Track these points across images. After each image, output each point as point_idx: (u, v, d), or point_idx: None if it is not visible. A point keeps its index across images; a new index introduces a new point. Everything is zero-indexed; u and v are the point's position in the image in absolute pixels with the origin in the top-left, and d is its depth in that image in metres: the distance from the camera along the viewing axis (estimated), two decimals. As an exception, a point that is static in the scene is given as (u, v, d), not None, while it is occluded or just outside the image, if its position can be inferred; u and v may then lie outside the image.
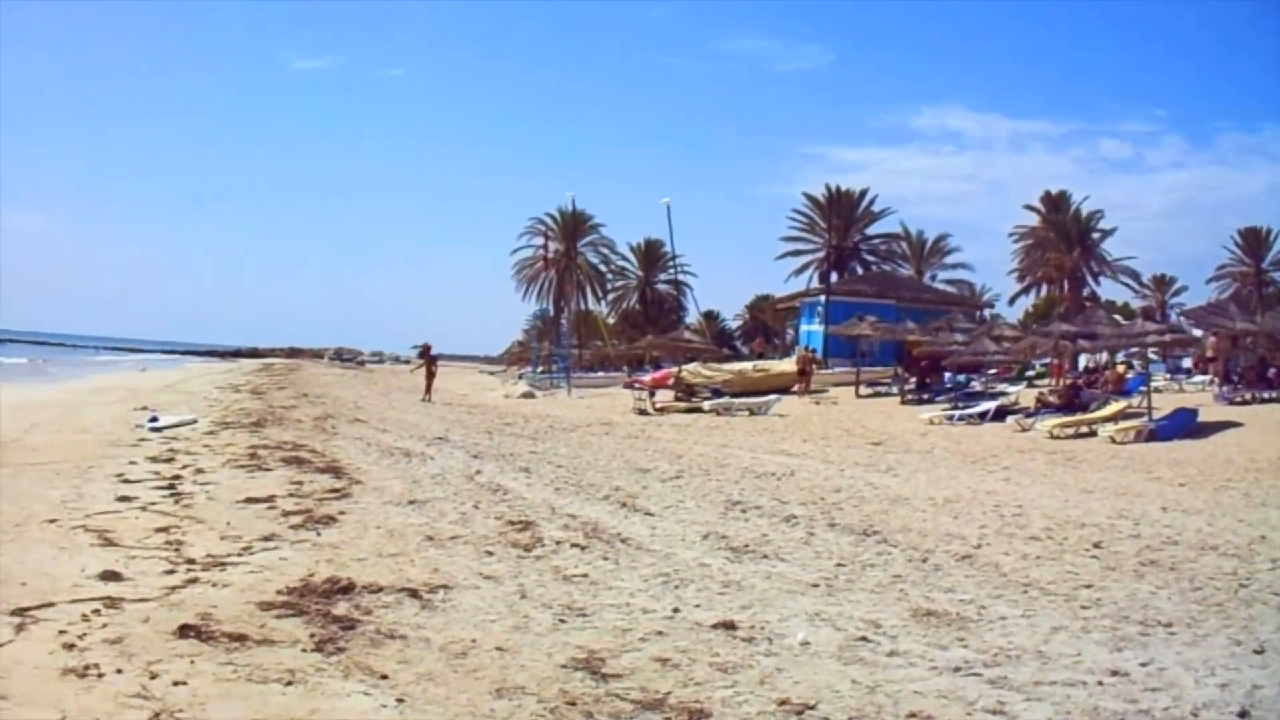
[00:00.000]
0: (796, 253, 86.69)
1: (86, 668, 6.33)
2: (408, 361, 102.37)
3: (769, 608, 8.46)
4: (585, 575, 9.55)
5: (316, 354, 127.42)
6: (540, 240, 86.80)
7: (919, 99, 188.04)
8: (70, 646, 6.78)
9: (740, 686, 6.49)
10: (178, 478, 15.37)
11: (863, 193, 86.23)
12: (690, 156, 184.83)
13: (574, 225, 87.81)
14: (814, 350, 47.50)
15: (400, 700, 6.12)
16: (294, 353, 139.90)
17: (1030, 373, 43.29)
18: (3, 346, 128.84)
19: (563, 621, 7.95)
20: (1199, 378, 37.51)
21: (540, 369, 65.68)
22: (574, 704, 6.09)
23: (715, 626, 7.83)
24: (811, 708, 6.12)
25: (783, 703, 6.19)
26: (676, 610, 8.33)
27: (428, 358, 42.46)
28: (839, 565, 10.20)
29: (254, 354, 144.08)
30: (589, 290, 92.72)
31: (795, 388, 40.61)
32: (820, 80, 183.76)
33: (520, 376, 62.59)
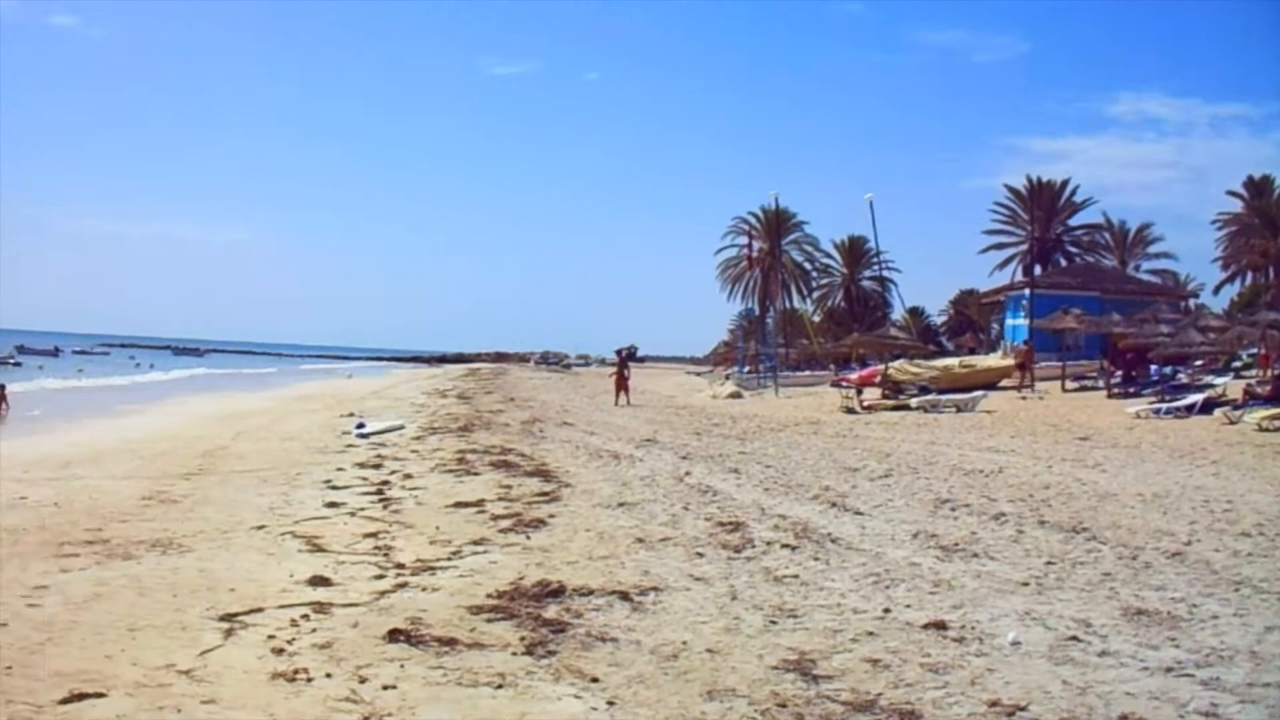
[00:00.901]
0: (999, 246, 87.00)
1: (295, 672, 6.64)
2: (613, 364, 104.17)
3: (979, 607, 8.45)
4: (795, 576, 9.61)
5: (522, 358, 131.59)
6: (744, 239, 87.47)
7: (1115, 86, 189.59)
8: (279, 651, 7.14)
9: (951, 687, 6.51)
10: (386, 483, 16.08)
11: (1064, 183, 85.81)
12: (889, 151, 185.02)
13: (777, 223, 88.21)
14: (1031, 344, 47.11)
15: (611, 703, 6.23)
16: (500, 357, 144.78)
17: (1237, 364, 42.37)
18: (209, 357, 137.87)
19: (773, 623, 8.03)
20: None
21: (747, 369, 66.33)
22: (784, 706, 6.15)
23: (926, 627, 7.85)
24: (1023, 709, 6.13)
25: (994, 704, 6.21)
26: (887, 610, 8.37)
27: (621, 362, 43.43)
28: (1048, 563, 10.12)
29: (459, 359, 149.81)
30: (794, 288, 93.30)
31: (1012, 381, 40.96)
32: (1016, 70, 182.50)
33: (727, 377, 63.36)
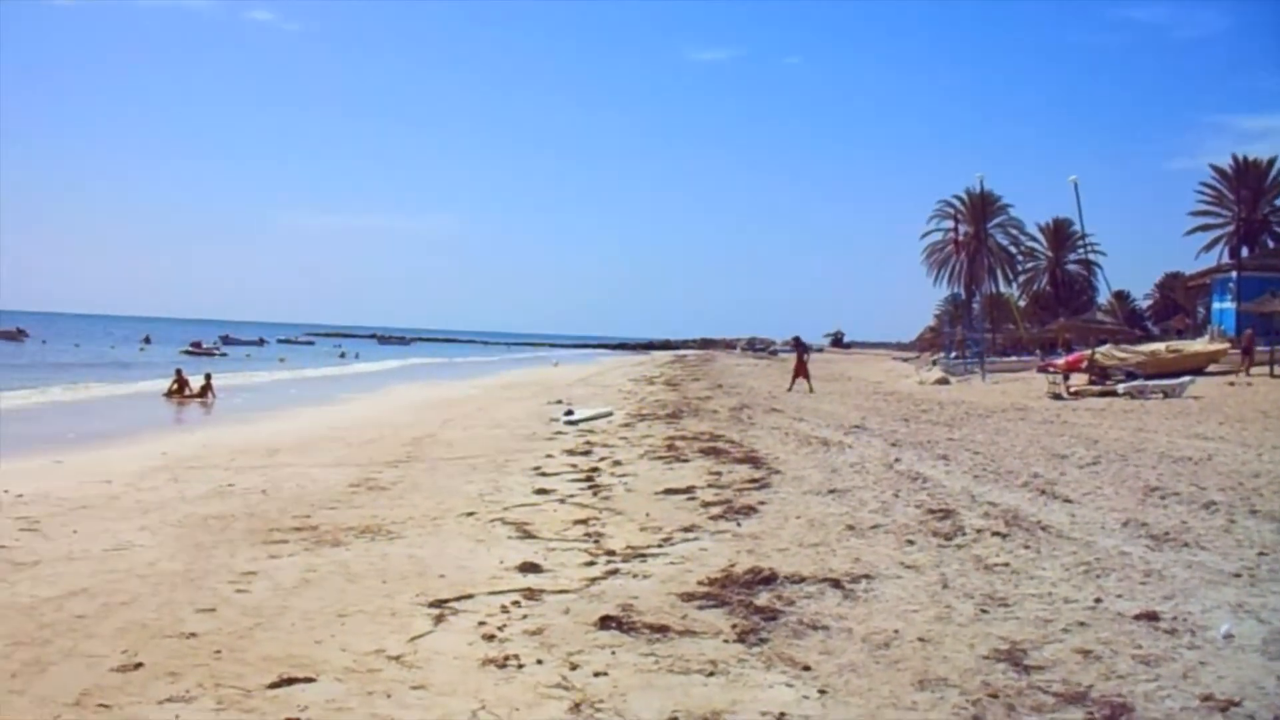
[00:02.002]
0: (1205, 228, 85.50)
1: (506, 658, 6.81)
2: (820, 350, 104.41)
3: (1191, 598, 8.20)
4: (1006, 564, 9.48)
5: (729, 344, 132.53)
6: (949, 223, 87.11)
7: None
8: (490, 637, 7.33)
9: (1163, 680, 6.35)
10: (595, 470, 16.38)
11: (1271, 161, 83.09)
12: (1092, 132, 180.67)
13: (982, 207, 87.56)
14: (1253, 329, 45.55)
15: (822, 692, 6.22)
16: (706, 344, 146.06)
17: None
18: (415, 345, 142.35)
19: (984, 612, 7.95)
20: None
21: (954, 354, 65.75)
22: (996, 696, 6.09)
23: (1137, 618, 7.66)
24: (1236, 704, 5.94)
25: (1206, 698, 6.04)
26: (1098, 600, 8.20)
27: (799, 349, 43.40)
28: (1261, 554, 9.71)
29: (666, 346, 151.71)
30: (999, 273, 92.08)
31: (1224, 366, 40.40)
32: (1219, 46, 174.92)
33: (934, 362, 63.01)
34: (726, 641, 7.21)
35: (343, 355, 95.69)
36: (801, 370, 40.26)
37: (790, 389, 38.67)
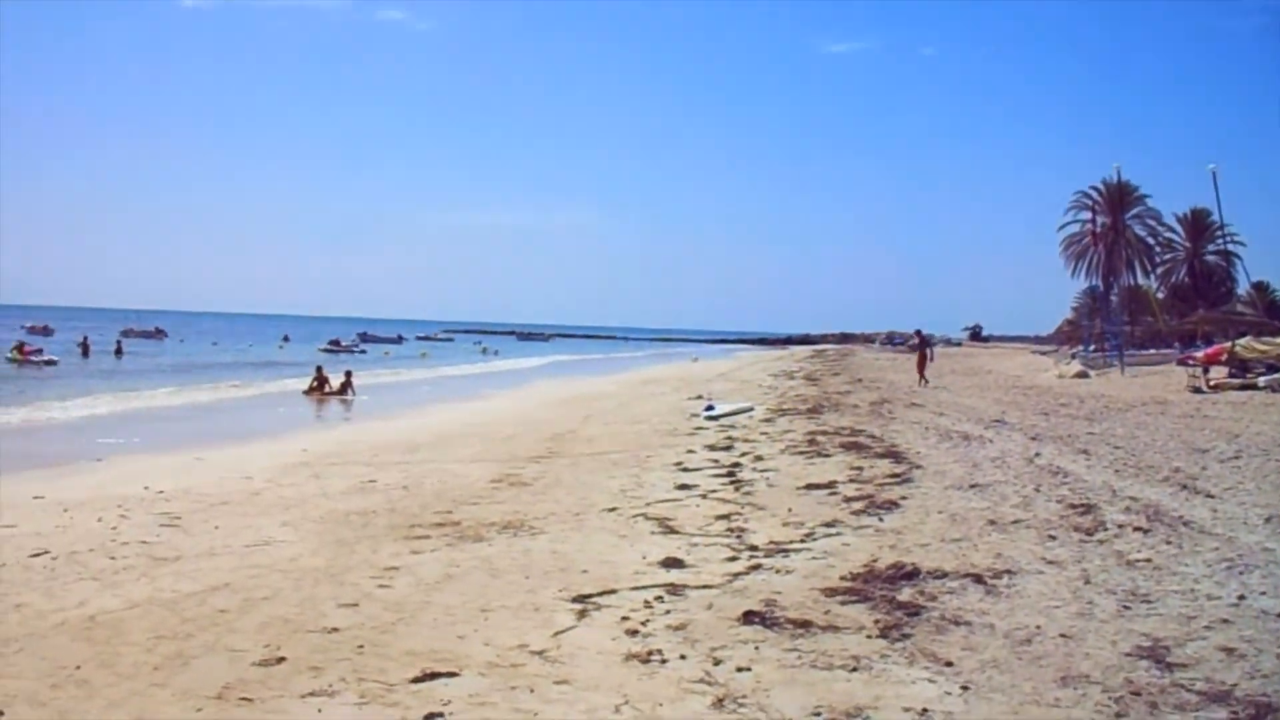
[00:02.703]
0: None
1: (649, 653, 6.83)
2: (959, 344, 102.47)
3: None
4: (1148, 560, 9.27)
5: (867, 339, 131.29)
6: (1087, 214, 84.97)
7: None
8: (633, 632, 7.36)
9: None
10: (737, 465, 16.35)
11: None
12: (1230, 119, 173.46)
13: (1120, 197, 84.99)
14: None
15: (965, 688, 6.15)
16: (844, 338, 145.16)
17: None
18: (553, 341, 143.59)
19: (1126, 608, 7.79)
20: None
21: (1092, 347, 64.24)
22: (1139, 694, 5.98)
23: None
24: None
25: None
26: (1242, 598, 7.98)
27: (921, 343, 42.86)
28: None
29: (805, 340, 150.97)
30: (1137, 264, 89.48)
31: None
32: None
33: (1073, 355, 61.68)
34: (869, 637, 7.16)
35: (484, 351, 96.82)
36: (922, 364, 39.77)
37: (921, 382, 38.28)
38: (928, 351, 41.52)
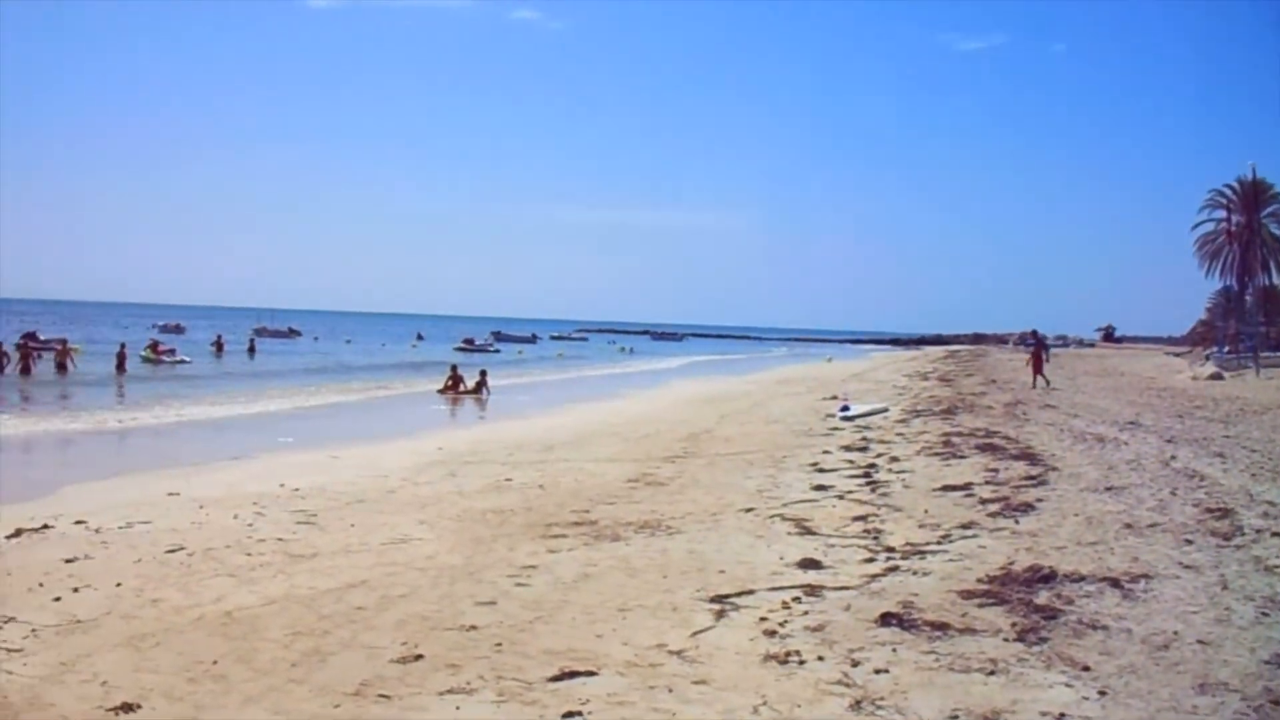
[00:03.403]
0: None
1: (788, 654, 6.85)
2: (1092, 345, 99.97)
3: None
4: None
5: (1000, 339, 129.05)
6: (1221, 213, 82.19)
7: None
8: (771, 633, 7.39)
9: None
10: (872, 466, 16.29)
11: None
12: None
13: (1255, 195, 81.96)
14: None
15: (1102, 693, 6.09)
16: (977, 339, 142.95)
17: None
18: (687, 341, 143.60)
19: (1265, 615, 7.61)
20: None
21: (1227, 349, 62.17)
22: (1278, 703, 5.86)
23: None
24: None
25: None
26: None
27: (1037, 344, 41.72)
28: None
29: (938, 341, 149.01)
30: (1273, 264, 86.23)
31: None
32: None
33: (1207, 357, 59.75)
34: (1006, 640, 7.12)
35: (623, 350, 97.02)
36: (1037, 365, 38.71)
37: (1035, 383, 37.14)
38: (1043, 352, 40.33)
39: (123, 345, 48.76)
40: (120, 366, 44.19)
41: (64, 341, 44.16)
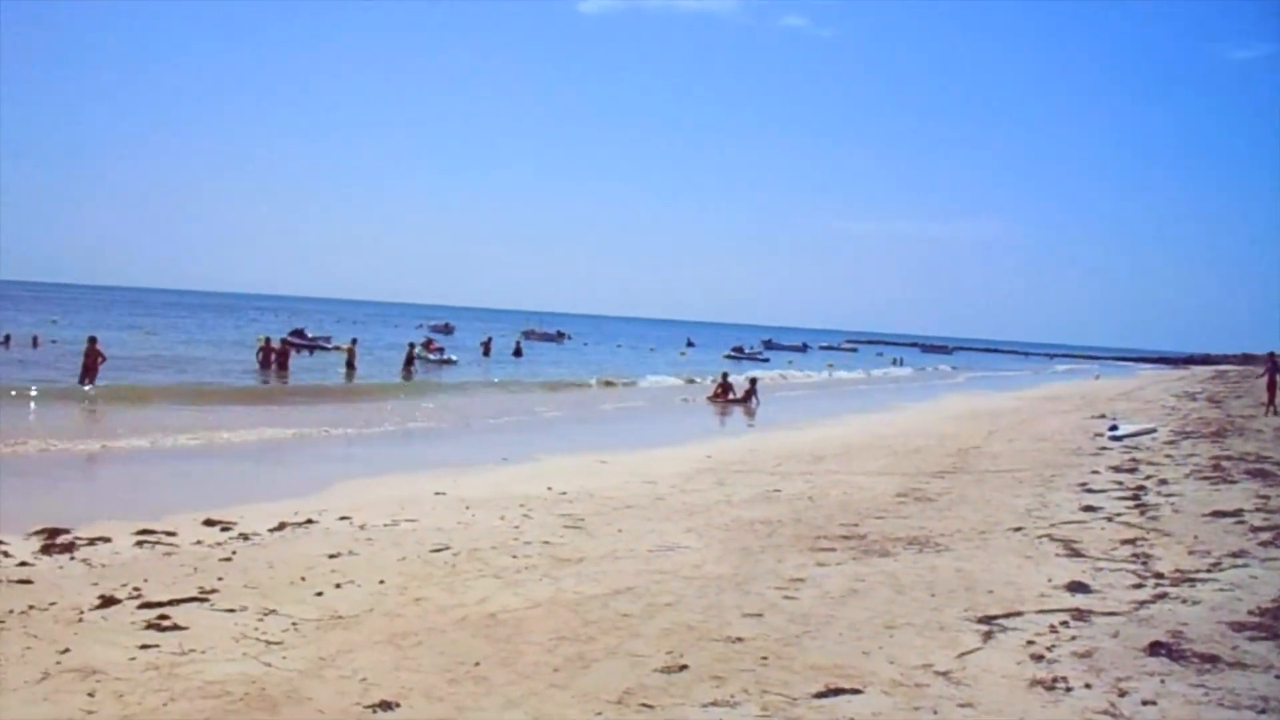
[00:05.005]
0: None
1: (1054, 680, 6.52)
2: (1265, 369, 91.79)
3: None
4: None
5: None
6: None
7: None
8: (1039, 658, 7.03)
9: None
10: (1141, 488, 15.41)
11: None
12: None
13: None
14: None
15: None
16: (1246, 359, 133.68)
17: None
18: (956, 354, 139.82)
19: None
20: None
21: None
22: None
23: None
24: None
25: None
26: None
27: (1271, 366, 37.44)
28: None
29: (1205, 360, 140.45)
30: None
31: None
32: None
33: None
34: (1278, 677, 6.57)
35: (894, 362, 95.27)
36: (1272, 390, 34.56)
37: (1268, 410, 32.76)
38: (1277, 375, 35.87)
39: (411, 345, 50.49)
40: (408, 365, 45.44)
41: (354, 341, 45.07)
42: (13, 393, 25.85)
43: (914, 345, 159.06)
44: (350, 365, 42.30)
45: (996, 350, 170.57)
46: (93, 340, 31.22)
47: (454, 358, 55.08)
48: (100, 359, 30.42)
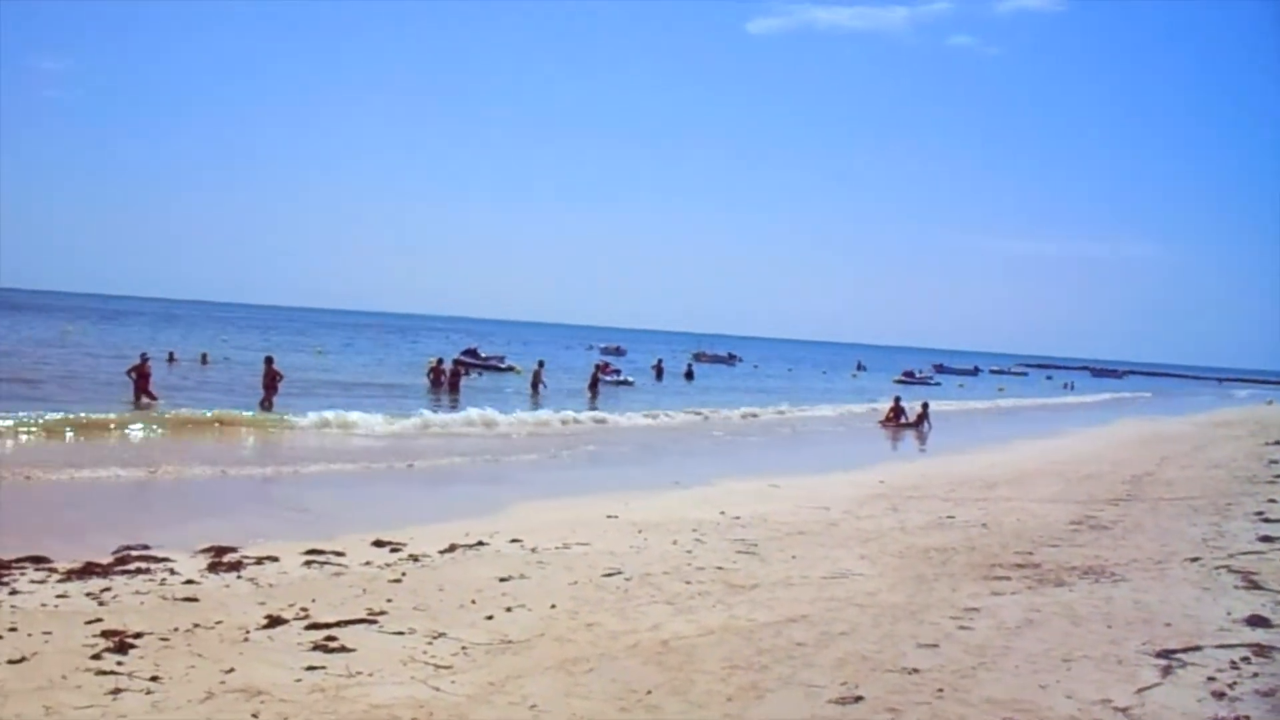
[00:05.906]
0: None
1: (1236, 719, 6.15)
2: None
3: None
4: None
5: None
6: None
7: None
8: (1219, 695, 6.63)
9: None
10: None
11: None
12: None
13: None
14: None
15: None
16: None
17: None
18: (1128, 379, 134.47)
19: None
20: None
21: None
22: None
23: None
24: None
25: None
26: None
27: None
28: None
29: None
30: None
31: None
32: None
33: None
34: None
35: (1065, 386, 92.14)
36: None
37: None
38: None
39: (596, 367, 50.56)
40: (593, 387, 45.02)
41: (540, 363, 44.64)
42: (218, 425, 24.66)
43: (1084, 369, 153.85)
44: (535, 387, 42.09)
45: (1172, 374, 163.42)
46: (269, 360, 31.27)
47: (632, 379, 54.60)
48: (279, 378, 30.31)
